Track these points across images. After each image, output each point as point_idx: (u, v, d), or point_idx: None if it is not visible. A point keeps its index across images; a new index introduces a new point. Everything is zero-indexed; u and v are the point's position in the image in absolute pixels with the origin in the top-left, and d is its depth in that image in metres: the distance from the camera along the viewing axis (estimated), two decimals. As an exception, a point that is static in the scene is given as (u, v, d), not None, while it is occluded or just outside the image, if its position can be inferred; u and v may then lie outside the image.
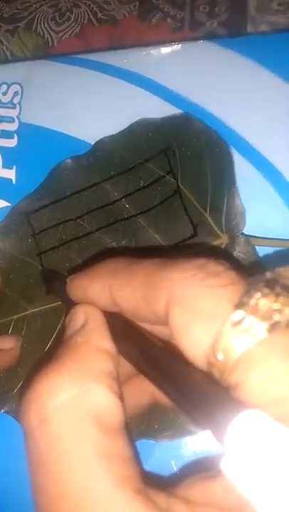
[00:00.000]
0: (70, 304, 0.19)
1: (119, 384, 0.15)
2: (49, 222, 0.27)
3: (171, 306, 0.15)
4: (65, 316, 0.18)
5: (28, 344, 0.26)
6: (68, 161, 0.28)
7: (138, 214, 0.27)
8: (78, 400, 0.14)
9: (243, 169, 0.27)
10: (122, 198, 0.27)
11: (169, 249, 0.26)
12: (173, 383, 0.14)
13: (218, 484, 0.13)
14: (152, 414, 0.23)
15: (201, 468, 0.15)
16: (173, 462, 0.24)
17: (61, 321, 0.26)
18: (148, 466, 0.18)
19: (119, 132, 0.27)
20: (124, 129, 0.27)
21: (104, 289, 0.17)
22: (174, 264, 0.16)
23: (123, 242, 0.27)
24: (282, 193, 0.26)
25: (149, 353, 0.16)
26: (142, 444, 0.23)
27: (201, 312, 0.14)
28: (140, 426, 0.24)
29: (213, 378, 0.14)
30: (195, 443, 0.24)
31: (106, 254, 0.25)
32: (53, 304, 0.27)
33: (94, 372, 0.15)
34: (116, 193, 0.27)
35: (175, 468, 0.24)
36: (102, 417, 0.14)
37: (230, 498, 0.13)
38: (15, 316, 0.27)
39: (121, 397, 0.15)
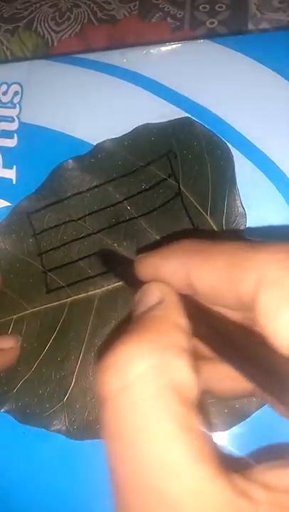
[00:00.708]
0: (134, 285, 0.18)
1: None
2: (50, 223, 0.27)
3: (260, 287, 0.14)
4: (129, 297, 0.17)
5: (28, 344, 0.26)
6: (70, 161, 0.28)
7: (139, 216, 0.27)
8: (160, 370, 0.13)
9: (244, 168, 0.26)
10: (123, 200, 0.27)
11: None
12: (257, 365, 0.14)
13: None
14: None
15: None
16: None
17: (60, 321, 0.26)
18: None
19: (123, 135, 0.27)
20: (128, 133, 0.27)
21: (179, 268, 0.16)
22: (262, 245, 0.15)
23: (124, 243, 0.27)
24: (285, 193, 0.26)
25: (228, 334, 0.15)
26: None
27: None
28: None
29: None
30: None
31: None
32: (53, 304, 0.27)
33: (173, 345, 0.14)
34: (118, 195, 0.27)
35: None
36: (182, 390, 0.13)
37: None
38: (15, 316, 0.27)
39: (198, 375, 0.14)
